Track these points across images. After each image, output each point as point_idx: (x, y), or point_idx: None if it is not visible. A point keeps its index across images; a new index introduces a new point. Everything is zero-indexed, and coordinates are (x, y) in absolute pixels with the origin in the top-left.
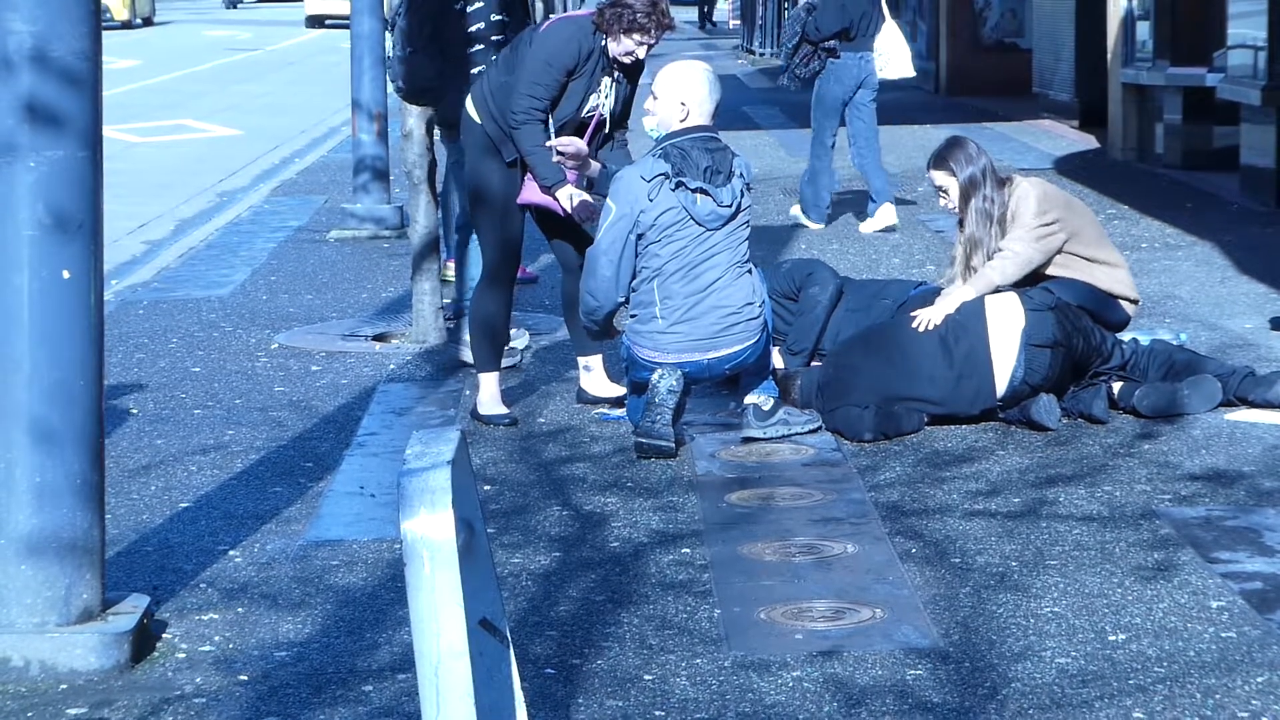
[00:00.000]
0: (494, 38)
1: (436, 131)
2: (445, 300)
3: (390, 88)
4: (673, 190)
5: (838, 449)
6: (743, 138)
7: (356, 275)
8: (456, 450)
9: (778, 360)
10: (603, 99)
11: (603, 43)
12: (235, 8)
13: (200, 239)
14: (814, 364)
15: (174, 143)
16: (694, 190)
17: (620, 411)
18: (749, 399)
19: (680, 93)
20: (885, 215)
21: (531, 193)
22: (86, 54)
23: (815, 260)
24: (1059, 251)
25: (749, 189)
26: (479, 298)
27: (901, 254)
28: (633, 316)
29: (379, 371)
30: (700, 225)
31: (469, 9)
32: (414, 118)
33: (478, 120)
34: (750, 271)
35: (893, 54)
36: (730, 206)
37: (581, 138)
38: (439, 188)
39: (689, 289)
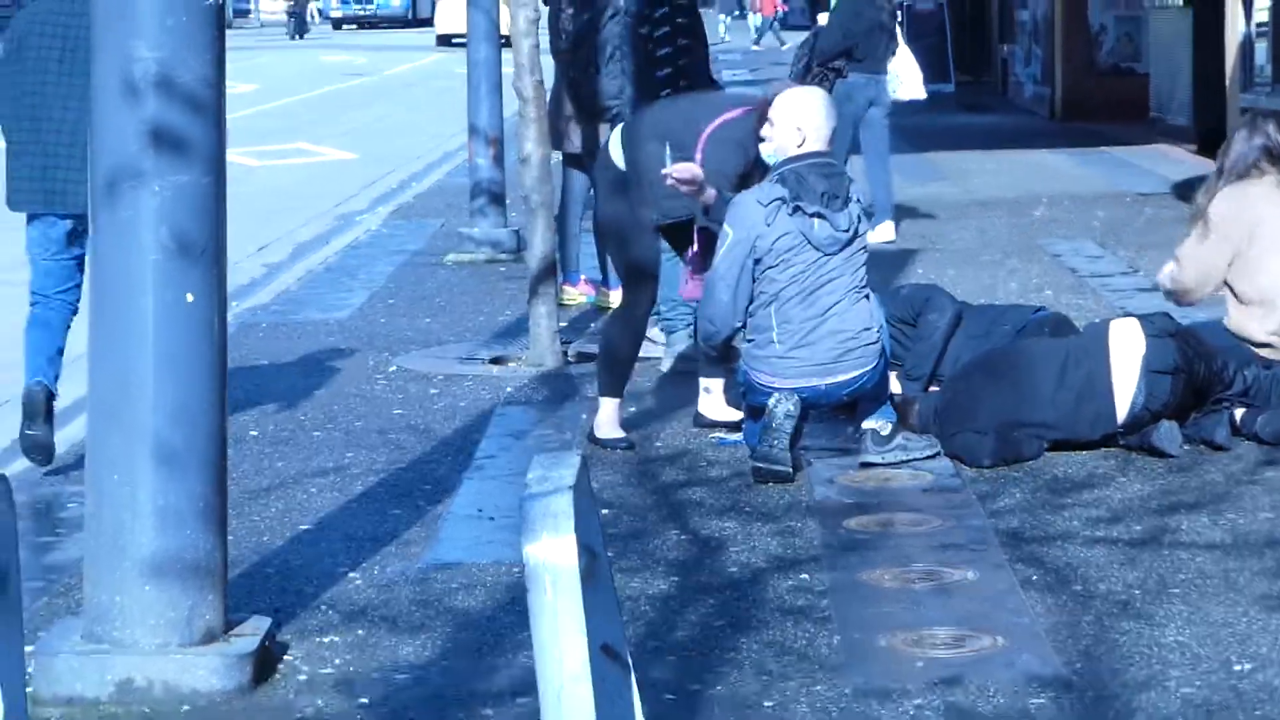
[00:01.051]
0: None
1: (554, 155)
2: (562, 323)
3: (517, 107)
4: (790, 215)
5: (956, 475)
6: (858, 163)
7: (473, 299)
8: (578, 475)
9: (895, 386)
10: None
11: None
12: (301, 38)
13: (319, 261)
14: (932, 389)
15: (291, 166)
16: (811, 215)
17: (737, 436)
18: (867, 424)
19: (797, 119)
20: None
21: (696, 290)
22: (210, 80)
23: (933, 286)
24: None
25: (867, 215)
26: (610, 323)
27: (1019, 279)
28: (750, 341)
29: (496, 395)
30: (818, 250)
31: (655, 34)
32: (532, 142)
33: (621, 166)
34: (868, 297)
35: (905, 76)
36: (847, 231)
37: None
38: (556, 211)
39: (807, 314)
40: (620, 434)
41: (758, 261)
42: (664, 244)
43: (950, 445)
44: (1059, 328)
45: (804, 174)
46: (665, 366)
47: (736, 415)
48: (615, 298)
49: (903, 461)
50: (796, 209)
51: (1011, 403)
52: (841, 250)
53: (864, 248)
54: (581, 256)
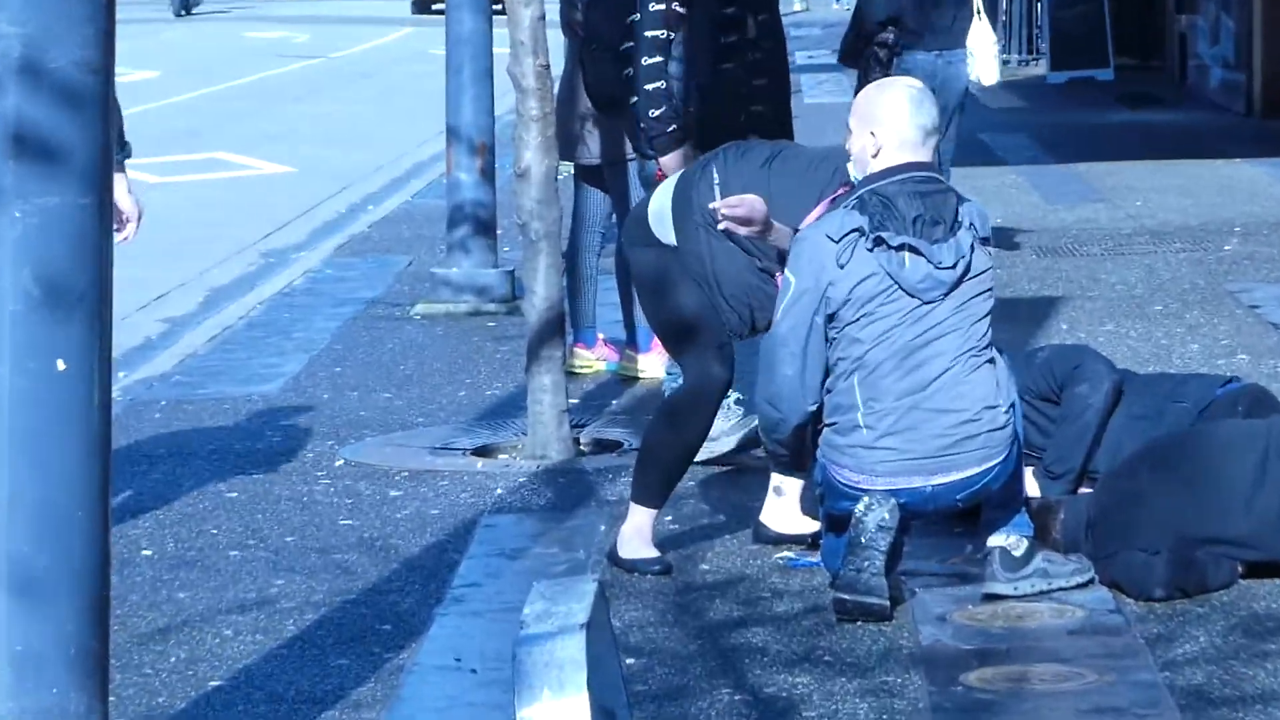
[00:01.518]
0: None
1: (562, 170)
2: (572, 400)
3: (513, 101)
4: (870, 250)
5: (1117, 610)
6: (980, 177)
7: (451, 365)
8: (592, 609)
9: (1032, 485)
10: None
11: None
12: (188, 12)
13: (238, 315)
14: (1082, 491)
15: (204, 184)
16: (897, 248)
17: (814, 556)
18: (993, 540)
19: (869, 120)
20: None
21: None
22: (93, 65)
23: (1083, 348)
24: None
25: (986, 245)
26: (660, 418)
27: (1202, 337)
28: (829, 425)
29: (482, 499)
30: (913, 296)
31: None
32: (533, 150)
33: (665, 239)
34: (993, 361)
35: (979, 54)
36: (954, 268)
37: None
38: (565, 245)
39: (903, 386)
40: (653, 553)
41: (832, 318)
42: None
43: (1108, 569)
44: (1257, 406)
45: (890, 196)
46: (723, 447)
47: (813, 526)
48: (646, 363)
49: (1042, 592)
50: (879, 241)
51: (1192, 510)
52: (948, 295)
53: (986, 292)
54: (600, 307)
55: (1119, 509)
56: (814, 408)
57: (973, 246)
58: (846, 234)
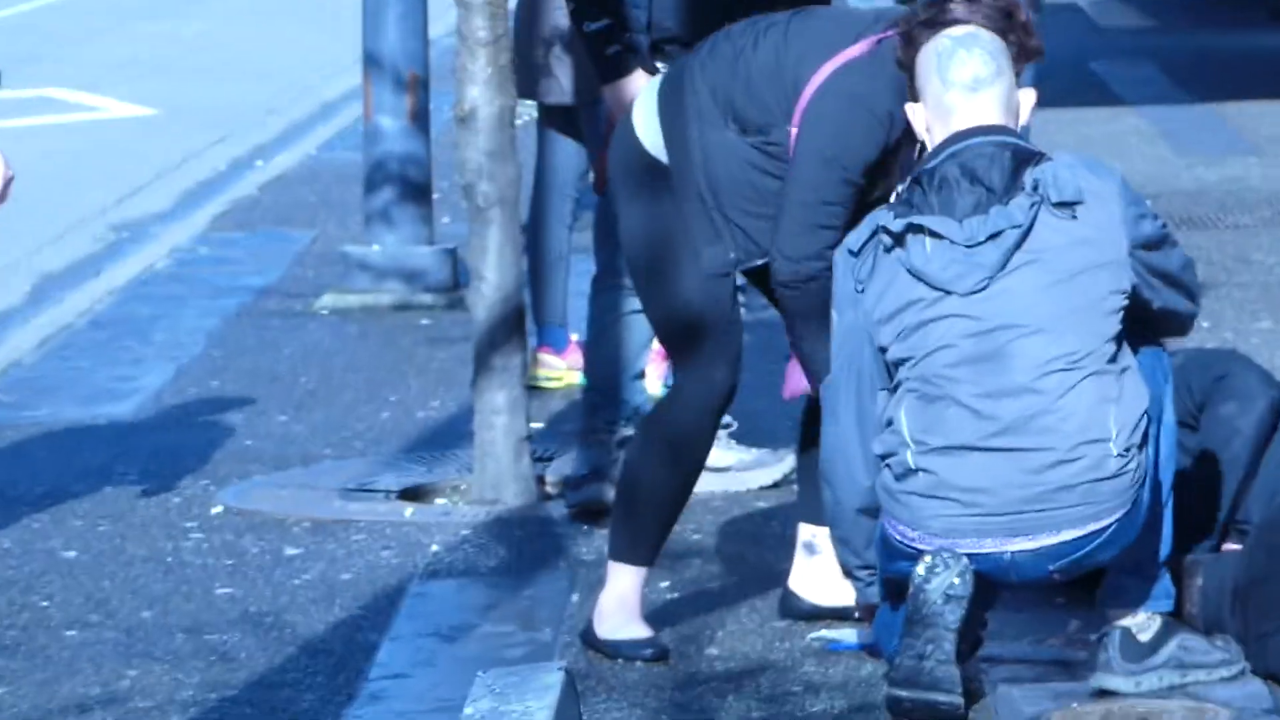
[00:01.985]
0: None
1: (522, 112)
2: (535, 423)
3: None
4: (888, 251)
5: (1275, 711)
6: (1089, 121)
7: (371, 377)
8: (558, 709)
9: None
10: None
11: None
12: None
13: (79, 311)
14: (1228, 548)
15: (32, 131)
16: (906, 233)
17: (863, 634)
18: (1114, 616)
19: (916, 93)
20: None
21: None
22: None
23: (1229, 353)
24: None
25: (1070, 209)
26: (642, 443)
27: None
28: (883, 464)
29: (411, 558)
30: (946, 291)
31: None
32: (481, 86)
33: (656, 153)
34: (1110, 375)
35: None
36: (995, 242)
37: None
38: (525, 215)
39: (961, 415)
40: (643, 631)
41: (890, 358)
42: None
43: (1264, 655)
44: None
45: (949, 175)
46: (756, 479)
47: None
48: (552, 364)
49: (1174, 687)
50: (899, 237)
51: None
52: (997, 281)
53: (1084, 273)
54: (573, 298)
55: (1279, 574)
56: (874, 483)
57: (1035, 214)
58: (866, 241)
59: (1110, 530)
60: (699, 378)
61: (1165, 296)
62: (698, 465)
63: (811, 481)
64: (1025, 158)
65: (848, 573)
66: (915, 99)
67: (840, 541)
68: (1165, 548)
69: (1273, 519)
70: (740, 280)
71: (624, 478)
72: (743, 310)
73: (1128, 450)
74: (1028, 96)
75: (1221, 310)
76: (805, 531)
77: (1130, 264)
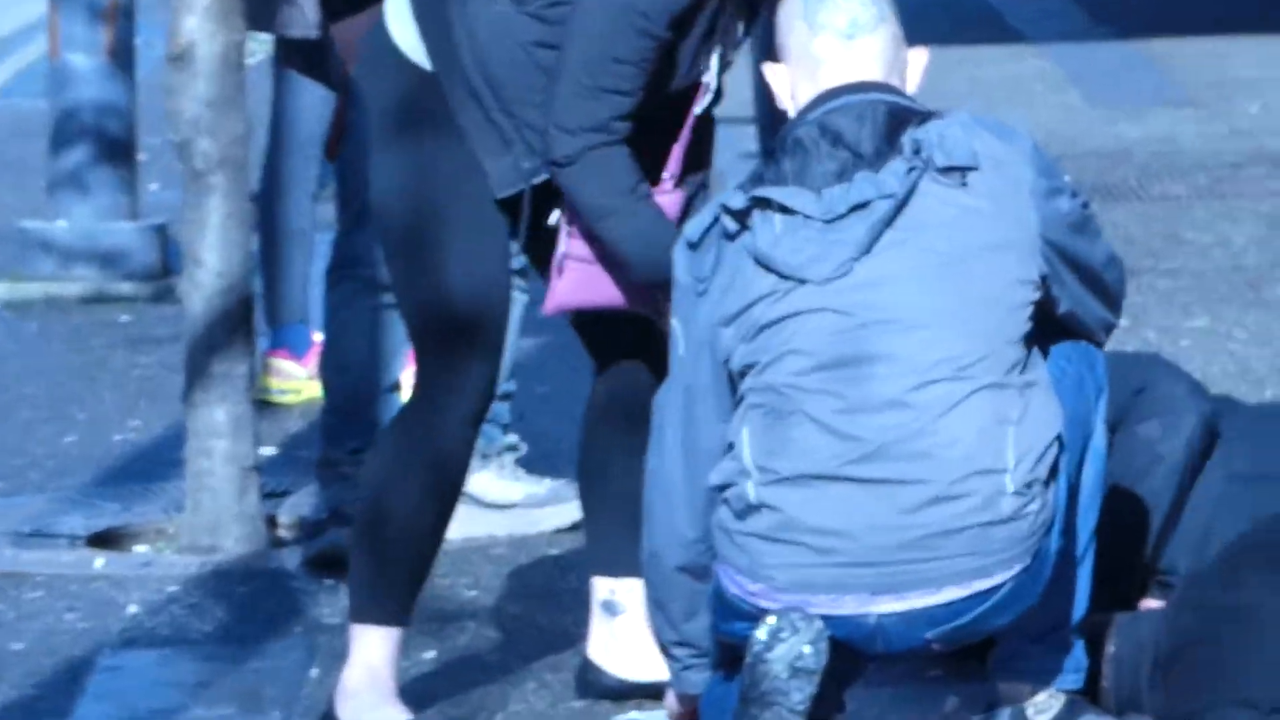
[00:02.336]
0: None
1: (255, 49)
2: (266, 449)
3: None
4: (731, 239)
5: None
6: (985, 61)
7: (54, 390)
8: None
9: None
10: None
11: None
12: None
13: None
14: (1146, 605)
15: None
16: (748, 211)
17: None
18: (1005, 693)
19: (779, 51)
20: None
21: (580, 290)
22: None
23: (1152, 358)
24: None
25: (957, 174)
26: (380, 467)
27: None
28: (720, 499)
29: (101, 622)
30: (797, 280)
31: None
32: (198, 16)
33: (416, 59)
34: (995, 389)
35: None
36: (846, 215)
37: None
38: (258, 181)
39: (815, 437)
40: (400, 716)
41: (738, 369)
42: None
43: None
44: None
45: (808, 142)
46: (539, 521)
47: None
48: (285, 377)
49: None
50: (743, 216)
51: None
52: (859, 264)
53: (976, 254)
54: (318, 287)
55: (1209, 640)
56: (705, 536)
57: (915, 182)
58: (708, 229)
59: (1004, 591)
60: (455, 376)
61: (1077, 298)
62: (456, 490)
63: (604, 516)
64: (905, 116)
65: (663, 649)
66: (776, 58)
67: (656, 607)
68: (1078, 610)
69: (1203, 571)
70: (520, 261)
71: (364, 513)
72: (523, 296)
73: (1029, 487)
74: (918, 56)
75: (1145, 303)
76: (602, 587)
77: (1041, 249)
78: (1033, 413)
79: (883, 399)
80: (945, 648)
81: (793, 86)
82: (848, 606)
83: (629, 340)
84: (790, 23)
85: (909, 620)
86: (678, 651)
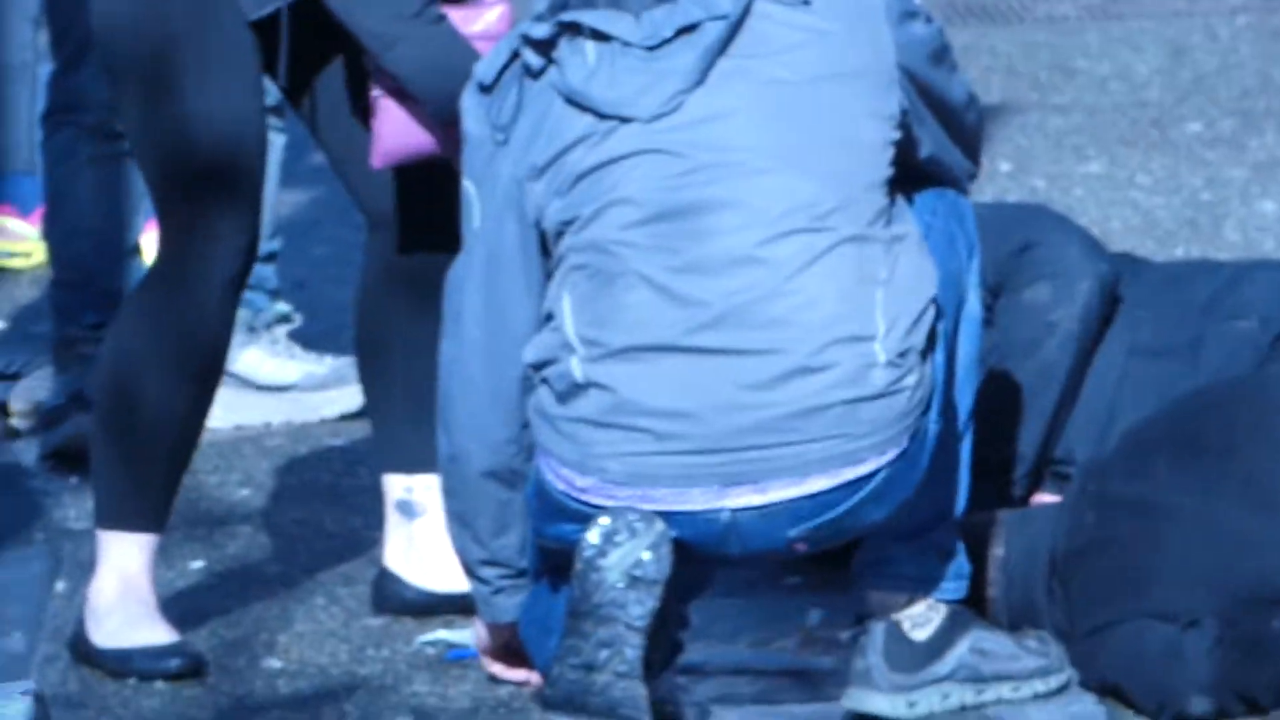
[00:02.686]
0: None
1: None
2: None
3: None
4: (535, 77)
5: None
6: None
7: None
8: None
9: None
10: None
11: None
12: None
13: None
14: (1040, 499)
15: None
16: (560, 37)
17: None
18: (876, 604)
19: None
20: None
21: (403, 134)
22: None
23: (1041, 212)
24: None
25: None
26: (120, 349)
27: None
28: (542, 380)
29: None
30: (621, 118)
31: None
32: None
33: None
34: (859, 241)
35: None
36: (672, 39)
37: None
38: None
39: (649, 303)
40: (164, 635)
41: (554, 229)
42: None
43: (1096, 658)
44: None
45: None
46: (346, 403)
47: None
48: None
49: (968, 708)
50: (547, 48)
51: (1264, 540)
52: (690, 96)
53: (828, 83)
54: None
55: (1115, 541)
56: (516, 435)
57: (749, 2)
58: (504, 68)
59: (878, 479)
60: (206, 233)
61: (938, 142)
62: (216, 369)
63: (390, 404)
64: None
65: (468, 570)
66: None
67: (458, 521)
68: (958, 503)
69: (1105, 459)
70: (274, 97)
71: (106, 399)
72: (280, 137)
73: (902, 357)
74: None
75: (1031, 146)
76: (395, 486)
77: (899, 80)
78: (903, 271)
79: (727, 255)
80: (810, 549)
81: None
82: (695, 501)
83: (413, 191)
84: None
85: (768, 516)
86: (486, 572)
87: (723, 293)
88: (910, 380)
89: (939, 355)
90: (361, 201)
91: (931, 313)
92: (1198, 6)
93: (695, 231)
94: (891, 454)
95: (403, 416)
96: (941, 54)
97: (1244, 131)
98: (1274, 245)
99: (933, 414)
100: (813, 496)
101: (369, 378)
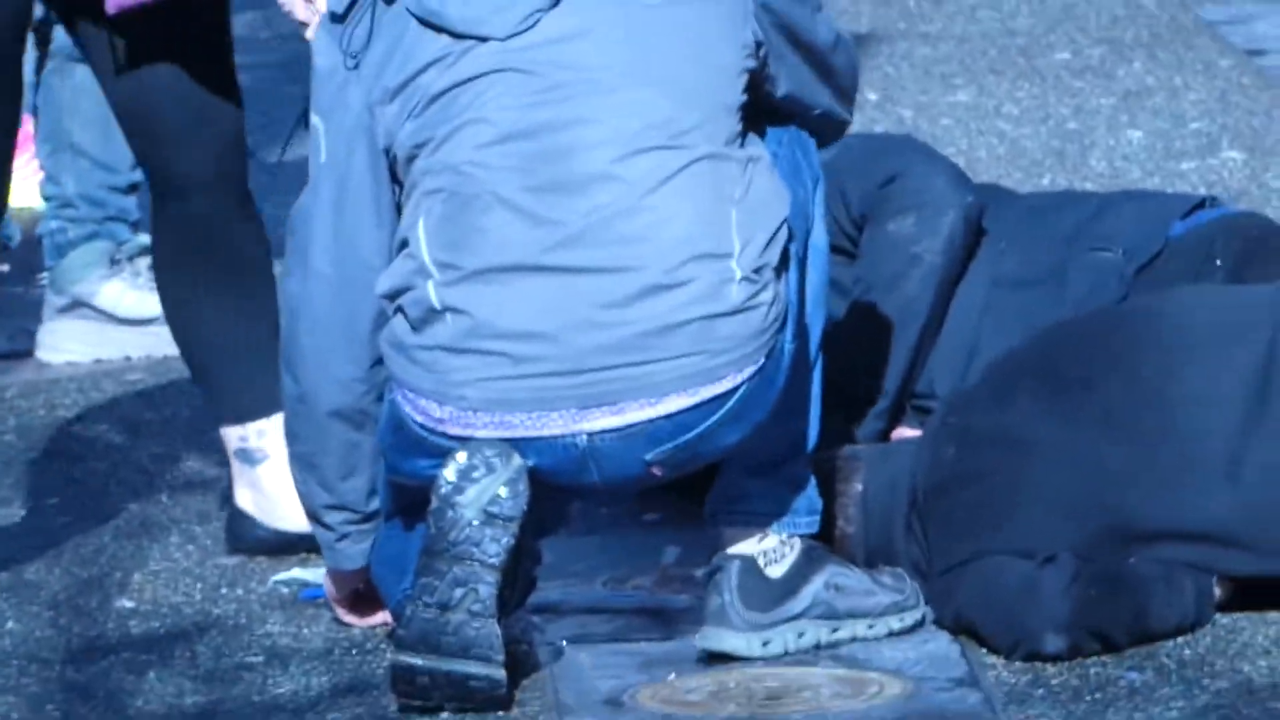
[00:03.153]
0: None
1: None
2: None
3: None
4: (389, 2)
5: (971, 683)
6: None
7: None
8: None
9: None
10: None
11: None
12: None
13: None
14: (900, 434)
15: None
16: None
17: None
18: (729, 543)
19: None
20: None
21: None
22: None
23: (904, 139)
24: None
25: None
26: None
27: (1150, 110)
28: (396, 310)
29: None
30: (477, 38)
31: None
32: None
33: None
34: (714, 160)
35: None
36: None
37: None
38: None
39: (509, 223)
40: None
41: (406, 153)
42: None
43: (954, 596)
44: (1252, 256)
45: None
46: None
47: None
48: None
49: (820, 648)
50: None
51: (1121, 474)
52: (546, 16)
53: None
54: None
55: (976, 476)
56: (366, 373)
57: None
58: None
59: (736, 398)
60: None
61: (801, 81)
62: None
63: (211, 365)
64: None
65: (313, 516)
66: None
67: (304, 464)
68: (810, 435)
69: (967, 393)
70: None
71: None
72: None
73: (758, 273)
74: None
75: (898, 75)
76: (231, 437)
77: (754, 13)
78: (757, 191)
79: (583, 173)
80: (666, 473)
81: None
82: (554, 426)
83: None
84: None
85: (626, 438)
86: (331, 518)
87: (579, 211)
88: (766, 296)
89: (792, 275)
90: (150, 170)
91: (785, 232)
92: None
93: (551, 150)
94: (749, 371)
95: (224, 370)
96: None
97: (1112, 60)
98: (1140, 175)
99: (788, 333)
100: (670, 417)
101: (183, 341)
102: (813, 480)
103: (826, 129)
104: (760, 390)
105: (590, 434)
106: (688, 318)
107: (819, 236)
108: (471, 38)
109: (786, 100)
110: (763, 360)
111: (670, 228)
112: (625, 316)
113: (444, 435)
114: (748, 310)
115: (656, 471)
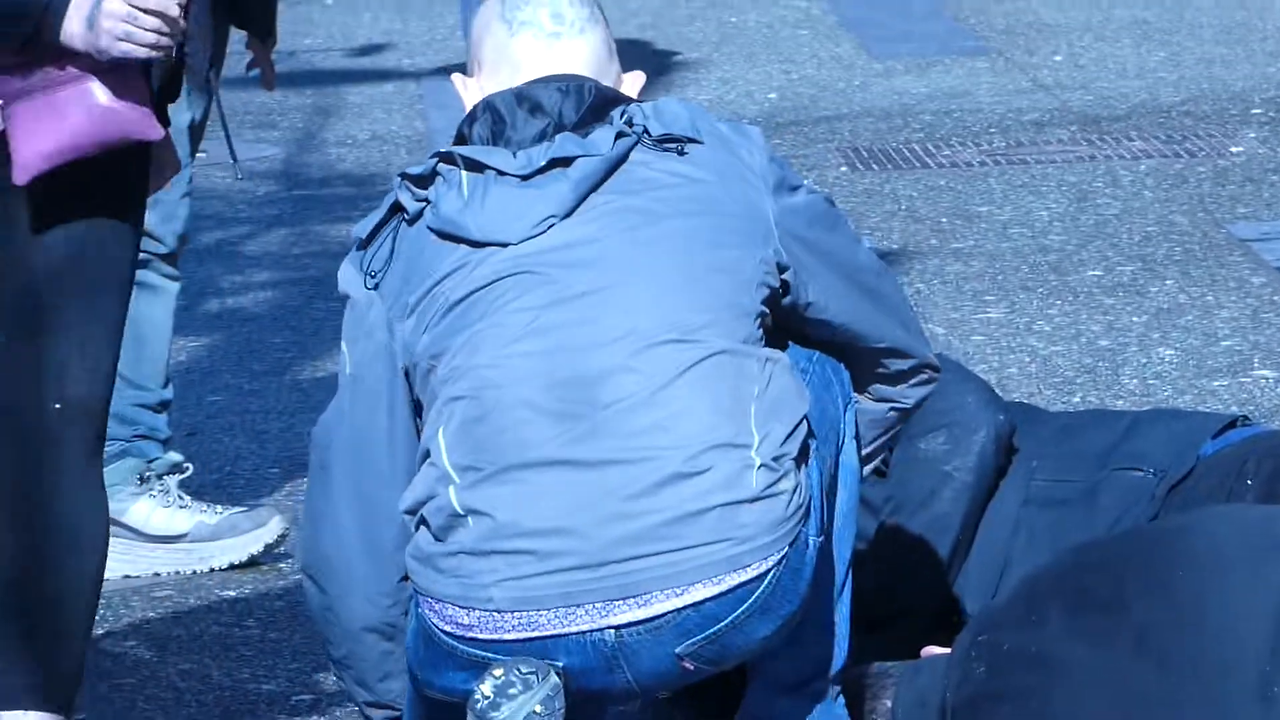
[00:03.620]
0: None
1: None
2: None
3: None
4: (410, 224)
5: None
6: (734, 7)
7: None
8: None
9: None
10: None
11: None
12: None
13: None
14: (930, 650)
15: None
16: (434, 176)
17: None
18: None
19: (470, 61)
20: None
21: (40, 135)
22: None
23: (939, 358)
24: None
25: (675, 147)
26: None
27: (1183, 330)
28: (421, 524)
29: None
30: (496, 244)
31: None
32: None
33: None
34: (732, 355)
35: None
36: (545, 168)
37: None
38: None
39: (525, 423)
40: None
41: (425, 363)
42: None
43: None
44: None
45: (499, 104)
46: (234, 554)
47: None
48: None
49: None
50: (424, 182)
51: (1156, 694)
52: (563, 222)
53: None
54: None
55: (1006, 695)
56: (392, 589)
57: (626, 149)
58: (381, 222)
59: (763, 587)
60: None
61: (848, 307)
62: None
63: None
64: (616, 98)
65: (359, 708)
66: (469, 71)
67: (340, 665)
68: (840, 653)
69: (997, 610)
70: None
71: None
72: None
73: (778, 460)
74: (635, 79)
75: (929, 292)
76: None
77: (779, 236)
78: (776, 387)
79: (601, 368)
80: (700, 671)
81: (482, 88)
82: (581, 622)
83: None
84: (485, 26)
85: (654, 631)
86: (375, 714)
87: (598, 404)
88: (787, 484)
89: (814, 470)
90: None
91: (805, 428)
92: (1101, 151)
93: (568, 348)
94: (774, 559)
95: None
96: (832, 222)
97: (1144, 277)
98: (1171, 393)
99: (812, 526)
100: (697, 607)
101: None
102: (841, 699)
103: (906, 373)
104: (788, 581)
105: (618, 628)
106: (708, 505)
107: (850, 455)
108: (487, 244)
109: (843, 333)
110: (786, 548)
111: (688, 419)
112: (648, 506)
113: (473, 642)
114: (768, 498)
115: (689, 665)
